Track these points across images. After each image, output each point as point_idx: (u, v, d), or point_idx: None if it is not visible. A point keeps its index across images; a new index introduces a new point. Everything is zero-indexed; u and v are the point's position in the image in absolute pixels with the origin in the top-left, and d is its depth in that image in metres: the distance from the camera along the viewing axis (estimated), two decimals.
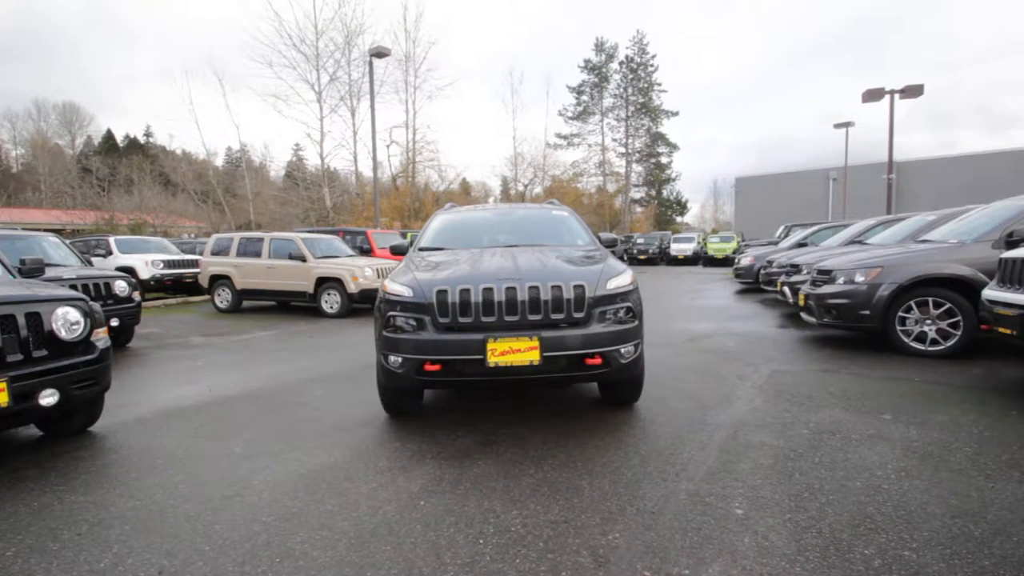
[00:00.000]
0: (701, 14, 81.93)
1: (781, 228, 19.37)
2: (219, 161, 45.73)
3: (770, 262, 10.92)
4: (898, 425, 3.34)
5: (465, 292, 3.07)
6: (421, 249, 4.38)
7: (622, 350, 3.15)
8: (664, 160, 50.52)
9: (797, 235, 14.74)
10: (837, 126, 31.31)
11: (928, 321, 5.35)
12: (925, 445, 3.00)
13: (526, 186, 40.52)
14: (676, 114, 49.47)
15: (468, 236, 4.53)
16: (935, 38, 77.94)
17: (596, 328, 3.10)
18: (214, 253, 11.16)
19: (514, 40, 72.84)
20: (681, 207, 54.61)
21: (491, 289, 3.07)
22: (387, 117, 44.92)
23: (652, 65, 48.65)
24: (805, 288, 6.61)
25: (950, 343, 5.23)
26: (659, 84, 48.77)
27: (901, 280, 5.41)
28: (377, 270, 10.01)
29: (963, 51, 73.05)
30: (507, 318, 3.05)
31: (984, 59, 71.46)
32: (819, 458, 2.86)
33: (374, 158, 18.33)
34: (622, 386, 3.65)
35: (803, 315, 6.62)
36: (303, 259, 10.16)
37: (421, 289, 3.16)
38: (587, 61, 48.68)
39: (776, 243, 16.44)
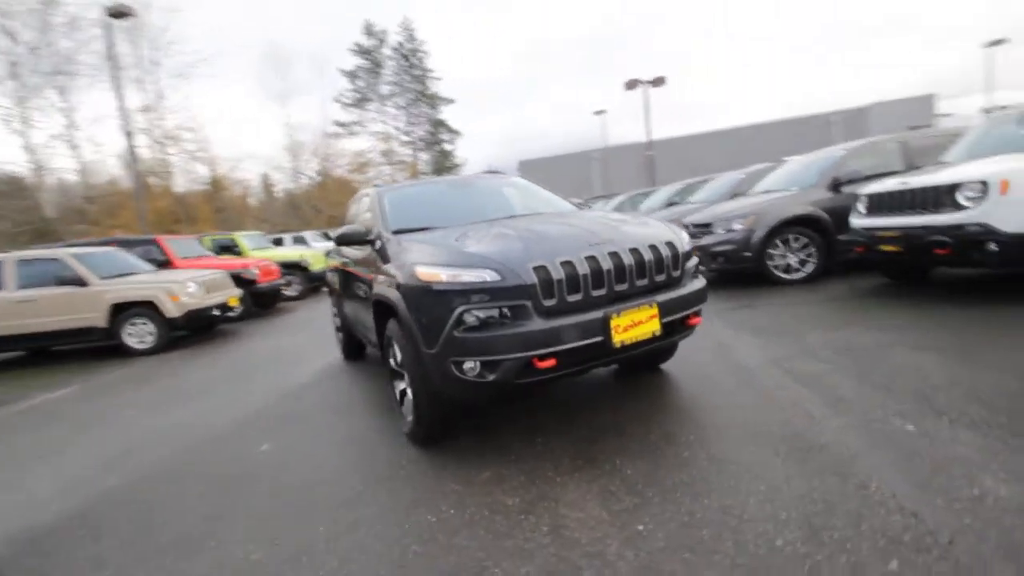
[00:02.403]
0: (462, 7, 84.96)
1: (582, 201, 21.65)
2: None
3: None
4: (885, 332, 3.89)
5: (567, 265, 2.48)
6: (398, 232, 3.44)
7: (702, 307, 2.99)
8: (448, 147, 51.62)
9: (601, 206, 16.69)
10: (596, 113, 36.47)
11: (791, 254, 6.54)
12: (934, 342, 3.47)
13: (311, 178, 36.91)
14: (453, 101, 50.76)
15: (448, 212, 3.74)
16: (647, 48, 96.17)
17: (693, 286, 2.86)
18: None
19: (277, 17, 64.56)
20: None
21: (594, 258, 2.55)
22: (115, 100, 35.35)
23: (423, 52, 48.77)
24: None
25: (809, 269, 6.48)
26: (432, 71, 49.27)
27: (771, 223, 6.46)
28: (205, 284, 7.82)
29: (663, 53, 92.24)
30: (617, 288, 2.58)
31: (684, 56, 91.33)
32: (887, 369, 3.13)
33: (130, 150, 14.24)
34: (673, 348, 3.51)
35: None
36: (81, 283, 7.30)
37: (511, 268, 2.44)
38: (359, 45, 46.13)
39: None
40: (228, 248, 13.22)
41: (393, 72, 47.91)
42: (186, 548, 2.25)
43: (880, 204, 5.11)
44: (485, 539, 2.00)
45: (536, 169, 43.22)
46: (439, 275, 2.53)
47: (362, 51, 46.57)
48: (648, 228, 2.98)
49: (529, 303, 2.41)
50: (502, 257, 2.52)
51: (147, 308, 7.34)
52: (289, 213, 35.80)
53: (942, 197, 4.48)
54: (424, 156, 50.86)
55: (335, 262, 5.20)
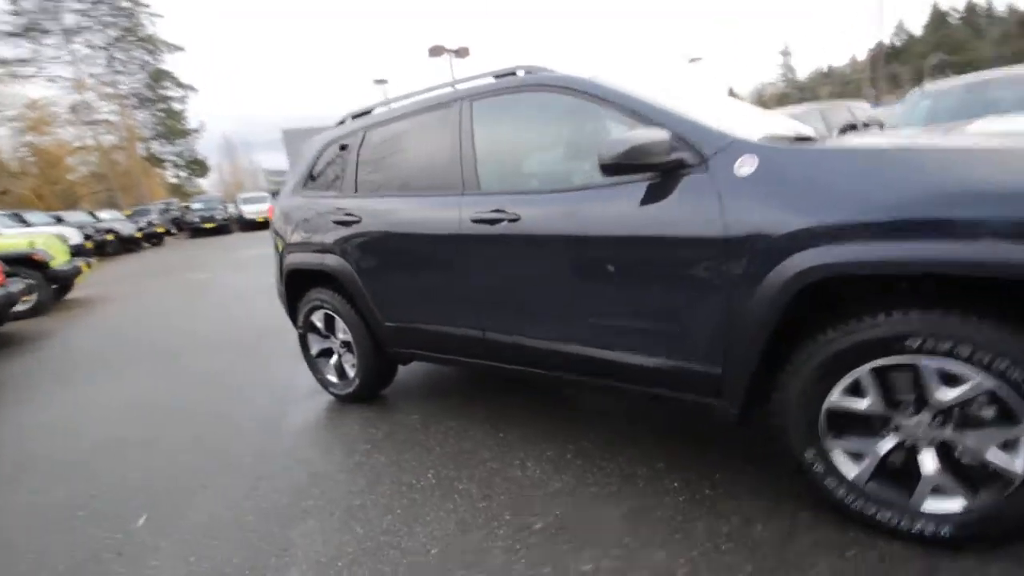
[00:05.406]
0: None
1: None
2: None
3: None
4: None
5: None
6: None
7: None
8: (177, 106, 40.92)
9: None
10: (377, 82, 33.61)
11: None
12: None
13: None
14: (181, 49, 40.19)
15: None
16: None
17: None
18: None
19: None
20: (202, 167, 46.29)
21: None
22: None
23: None
24: None
25: None
26: (147, 5, 37.92)
27: None
28: None
29: None
30: None
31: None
32: None
33: None
34: None
35: None
36: None
37: None
38: None
39: None
40: None
41: None
42: None
43: None
44: None
45: (301, 139, 37.71)
46: None
47: None
48: None
49: None
50: None
51: None
52: None
53: None
54: (142, 115, 39.31)
55: (357, 230, 2.80)
